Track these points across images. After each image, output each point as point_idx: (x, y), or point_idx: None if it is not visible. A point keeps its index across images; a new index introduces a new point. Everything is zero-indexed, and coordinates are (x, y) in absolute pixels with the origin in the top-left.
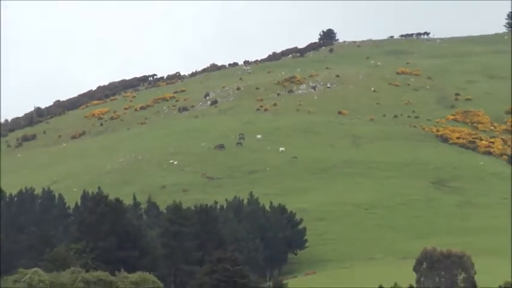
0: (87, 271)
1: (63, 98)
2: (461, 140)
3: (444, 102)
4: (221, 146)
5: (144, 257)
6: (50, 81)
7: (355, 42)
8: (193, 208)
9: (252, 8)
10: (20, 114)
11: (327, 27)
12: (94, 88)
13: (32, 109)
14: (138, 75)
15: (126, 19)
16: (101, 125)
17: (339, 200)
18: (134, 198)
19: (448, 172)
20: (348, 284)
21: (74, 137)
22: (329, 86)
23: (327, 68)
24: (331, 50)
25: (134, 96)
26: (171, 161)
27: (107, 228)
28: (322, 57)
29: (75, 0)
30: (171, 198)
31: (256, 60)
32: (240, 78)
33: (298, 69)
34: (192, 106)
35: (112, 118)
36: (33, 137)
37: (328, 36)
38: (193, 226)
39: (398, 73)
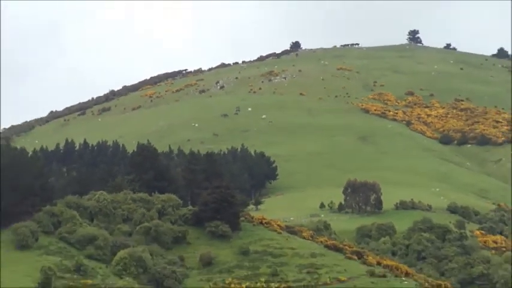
0: (134, 193)
1: (127, 84)
2: (376, 112)
3: (366, 87)
4: (225, 115)
5: (170, 185)
6: (119, 71)
7: (312, 49)
8: (204, 154)
9: (249, 25)
10: (100, 94)
11: (295, 40)
12: (148, 78)
13: (108, 91)
14: (176, 69)
15: (169, 27)
16: (151, 101)
17: (299, 149)
18: (169, 147)
19: (368, 131)
20: (302, 201)
21: (133, 109)
22: (294, 77)
23: (293, 65)
24: (296, 55)
25: (172, 83)
26: (193, 124)
27: (147, 166)
28: (290, 59)
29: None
30: (193, 147)
31: (250, 60)
32: (239, 72)
33: (276, 66)
34: (208, 89)
35: (157, 97)
36: (108, 108)
37: (295, 45)
38: (203, 165)
39: (338, 69)
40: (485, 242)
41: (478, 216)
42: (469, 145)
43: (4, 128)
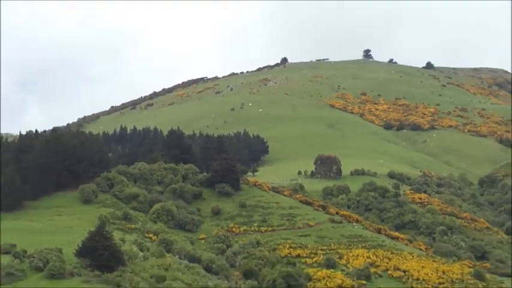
0: (165, 164)
1: (165, 87)
2: (339, 107)
3: (333, 90)
4: (232, 109)
5: (191, 158)
6: (160, 77)
7: (295, 62)
8: (216, 136)
9: (252, 44)
10: (146, 94)
11: (284, 56)
12: (180, 82)
13: (151, 92)
14: (199, 77)
15: (196, 46)
16: (181, 99)
17: (285, 133)
18: (193, 132)
19: (333, 121)
20: (285, 170)
21: (169, 105)
22: (282, 82)
23: (282, 74)
24: (284, 66)
25: (196, 87)
26: (211, 115)
27: (175, 145)
28: (280, 69)
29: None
30: (210, 132)
31: (251, 70)
32: (244, 78)
33: (269, 75)
34: (221, 91)
35: (186, 96)
36: (151, 104)
37: (284, 60)
38: (215, 144)
39: (313, 77)
40: (413, 199)
41: (409, 180)
42: (405, 130)
43: (78, 118)
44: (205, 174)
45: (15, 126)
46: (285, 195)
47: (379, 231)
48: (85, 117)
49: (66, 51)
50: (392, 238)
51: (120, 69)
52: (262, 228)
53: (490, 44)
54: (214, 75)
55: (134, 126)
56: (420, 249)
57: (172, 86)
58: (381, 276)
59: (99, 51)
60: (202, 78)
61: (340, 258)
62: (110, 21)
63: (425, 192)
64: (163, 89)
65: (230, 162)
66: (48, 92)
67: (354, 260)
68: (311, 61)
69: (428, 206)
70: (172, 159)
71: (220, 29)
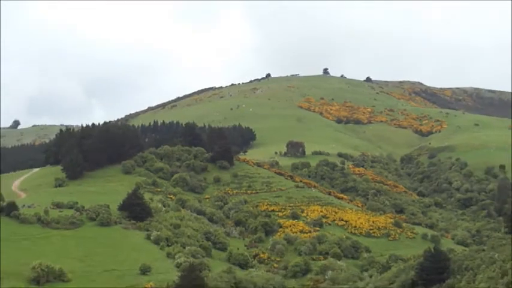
0: (182, 147)
1: (186, 93)
2: (305, 107)
3: (301, 96)
4: (231, 109)
5: (200, 143)
6: (182, 85)
7: (275, 77)
8: (218, 128)
9: (246, 64)
10: (173, 98)
11: (267, 72)
12: (196, 90)
13: (175, 97)
14: (209, 86)
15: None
16: (196, 102)
17: (267, 126)
18: (203, 124)
19: (301, 117)
20: (266, 151)
21: (187, 106)
22: (266, 90)
23: (266, 85)
24: (268, 79)
25: (206, 93)
26: (216, 113)
27: (189, 134)
28: (265, 81)
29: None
30: (214, 125)
31: (245, 82)
32: (240, 87)
33: (257, 86)
34: (224, 96)
35: (200, 100)
36: (175, 106)
37: (268, 75)
38: (217, 133)
39: (288, 87)
40: (354, 171)
41: (352, 158)
42: (350, 124)
43: (125, 115)
44: (210, 153)
45: (82, 121)
46: (265, 169)
47: (329, 194)
48: (130, 114)
49: (120, 67)
50: (339, 198)
51: (155, 81)
52: (248, 191)
53: (412, 62)
54: (219, 85)
55: (163, 121)
56: (357, 206)
57: (190, 92)
58: (330, 224)
59: (142, 68)
60: (211, 88)
61: (302, 212)
62: (149, 45)
63: (362, 166)
64: (184, 95)
65: (227, 146)
66: (107, 97)
67: (311, 213)
68: (286, 76)
69: (364, 176)
70: (187, 144)
71: (225, 53)
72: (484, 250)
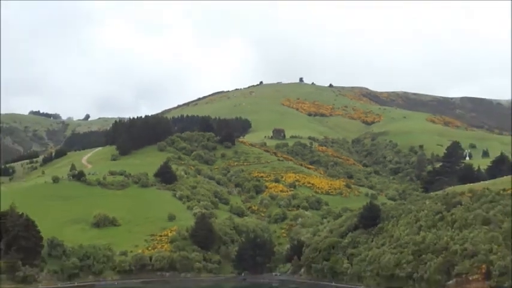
0: (198, 132)
1: (204, 95)
2: (286, 105)
3: (282, 97)
4: (235, 106)
5: (212, 130)
6: (202, 89)
7: (265, 84)
8: (223, 119)
9: (247, 72)
10: (193, 99)
11: (260, 80)
12: (211, 93)
13: (196, 97)
14: (220, 90)
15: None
16: (211, 101)
17: (259, 118)
18: (215, 117)
19: (283, 112)
20: (259, 135)
21: (206, 103)
22: (259, 93)
23: (259, 89)
24: (260, 86)
25: (218, 95)
26: (224, 109)
27: (205, 123)
28: (259, 87)
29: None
30: (222, 117)
31: (245, 87)
32: (241, 91)
33: (253, 89)
34: (230, 97)
35: (213, 100)
36: (196, 104)
37: (261, 82)
38: (223, 123)
39: (275, 90)
40: (319, 149)
41: (318, 140)
42: (317, 116)
43: (162, 110)
44: (218, 137)
45: (131, 115)
46: (257, 148)
47: (301, 165)
48: (164, 110)
49: (159, 77)
50: (308, 168)
51: (183, 86)
52: (245, 163)
53: (360, 71)
54: (226, 90)
55: (187, 114)
56: (320, 173)
57: (206, 94)
58: (301, 186)
59: (175, 76)
60: (221, 91)
61: (282, 177)
62: (179, 60)
63: (325, 146)
64: (203, 96)
65: (230, 132)
66: (149, 98)
67: (288, 178)
68: (274, 83)
69: (326, 152)
70: (202, 130)
71: (231, 65)
72: (404, 204)
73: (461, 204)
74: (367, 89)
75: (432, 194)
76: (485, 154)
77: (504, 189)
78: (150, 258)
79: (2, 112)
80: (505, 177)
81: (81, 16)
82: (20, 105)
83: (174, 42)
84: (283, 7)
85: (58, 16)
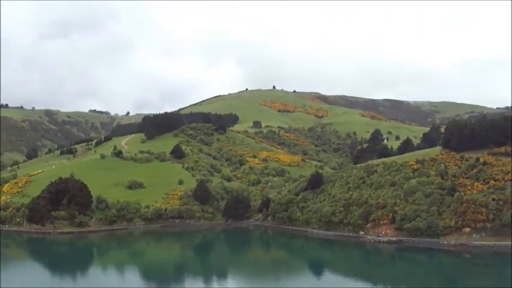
0: (203, 124)
1: (207, 97)
2: (263, 104)
3: (262, 99)
4: (229, 104)
5: (210, 121)
6: (206, 93)
7: (251, 89)
8: (219, 114)
9: (237, 82)
10: (198, 100)
11: (246, 87)
12: (212, 96)
13: (200, 100)
14: (218, 94)
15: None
16: (212, 101)
17: (245, 113)
18: (215, 113)
19: (261, 110)
20: (243, 125)
21: (207, 104)
22: (245, 97)
23: (246, 94)
24: (246, 91)
25: (217, 98)
26: (220, 108)
27: (205, 118)
28: (246, 92)
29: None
30: (219, 113)
31: (235, 92)
32: (233, 95)
33: (242, 94)
34: (225, 99)
35: (213, 102)
36: (201, 104)
37: (247, 89)
38: (218, 117)
39: (257, 95)
40: (285, 135)
41: (284, 128)
42: (285, 113)
43: (179, 108)
44: (214, 126)
45: (156, 111)
46: (241, 134)
47: (271, 145)
48: (180, 108)
49: (178, 85)
50: (276, 148)
51: (193, 91)
52: (233, 144)
53: (318, 79)
54: (223, 94)
55: (195, 111)
56: (284, 151)
57: (209, 97)
58: (271, 160)
59: (189, 84)
60: (219, 95)
61: (257, 154)
62: (192, 73)
63: (289, 132)
64: (207, 99)
65: (223, 122)
66: (172, 100)
67: (262, 154)
68: (255, 89)
69: (289, 137)
70: (204, 122)
71: (225, 76)
72: (338, 172)
73: (376, 172)
74: (319, 93)
75: (358, 165)
76: (397, 138)
77: (406, 162)
78: (165, 210)
79: (70, 110)
80: (407, 153)
81: (124, 43)
82: (82, 105)
83: (187, 62)
84: (263, 33)
85: (109, 42)
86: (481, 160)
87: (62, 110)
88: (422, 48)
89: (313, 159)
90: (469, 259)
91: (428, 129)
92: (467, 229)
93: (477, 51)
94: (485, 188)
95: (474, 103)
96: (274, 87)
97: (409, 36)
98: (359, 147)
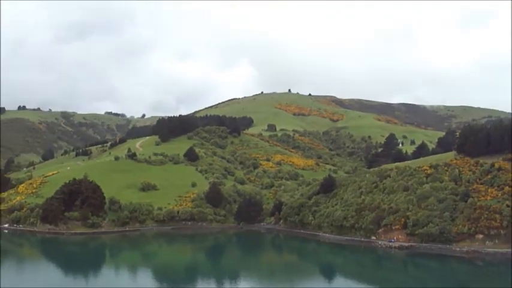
0: (216, 126)
1: (223, 100)
2: (279, 108)
3: (278, 102)
4: (243, 108)
5: (225, 124)
6: (220, 97)
7: (265, 93)
8: (233, 117)
9: (251, 86)
10: (214, 104)
11: (261, 90)
12: (226, 100)
13: (216, 103)
14: (233, 97)
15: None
16: (227, 104)
17: (259, 117)
18: (230, 116)
19: (277, 113)
20: (258, 128)
21: (222, 107)
22: (260, 100)
23: (260, 97)
24: (261, 94)
25: (232, 101)
26: (235, 111)
27: (220, 121)
28: (260, 95)
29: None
30: (234, 116)
31: (250, 95)
32: (248, 98)
33: (256, 97)
34: (240, 103)
35: (228, 104)
36: (216, 107)
37: (262, 92)
38: (234, 120)
39: (271, 98)
40: (299, 138)
41: (298, 132)
42: (300, 116)
43: (194, 111)
44: (229, 129)
45: (172, 114)
46: (255, 137)
47: (285, 149)
48: (195, 111)
49: (194, 87)
50: (290, 151)
51: (208, 95)
52: (247, 147)
53: (333, 82)
54: (238, 97)
55: (210, 114)
56: (299, 155)
57: (224, 100)
58: (285, 164)
59: (203, 88)
60: (234, 98)
61: (271, 157)
62: (207, 77)
63: (303, 136)
64: (221, 102)
65: (238, 125)
66: (187, 102)
67: (276, 158)
68: (270, 92)
69: (304, 140)
70: (218, 125)
71: (241, 79)
72: (351, 176)
73: (390, 177)
74: (335, 97)
75: (371, 170)
76: (413, 142)
77: (419, 167)
78: (178, 212)
79: (86, 112)
80: (421, 158)
81: (140, 45)
82: (99, 107)
83: (203, 65)
84: (278, 36)
85: (125, 45)
86: (496, 166)
87: (78, 112)
88: (438, 51)
89: (328, 163)
90: (481, 266)
91: (444, 133)
92: (481, 236)
93: (495, 53)
94: (500, 194)
95: (492, 107)
96: (289, 90)
97: (426, 38)
98: (373, 152)
